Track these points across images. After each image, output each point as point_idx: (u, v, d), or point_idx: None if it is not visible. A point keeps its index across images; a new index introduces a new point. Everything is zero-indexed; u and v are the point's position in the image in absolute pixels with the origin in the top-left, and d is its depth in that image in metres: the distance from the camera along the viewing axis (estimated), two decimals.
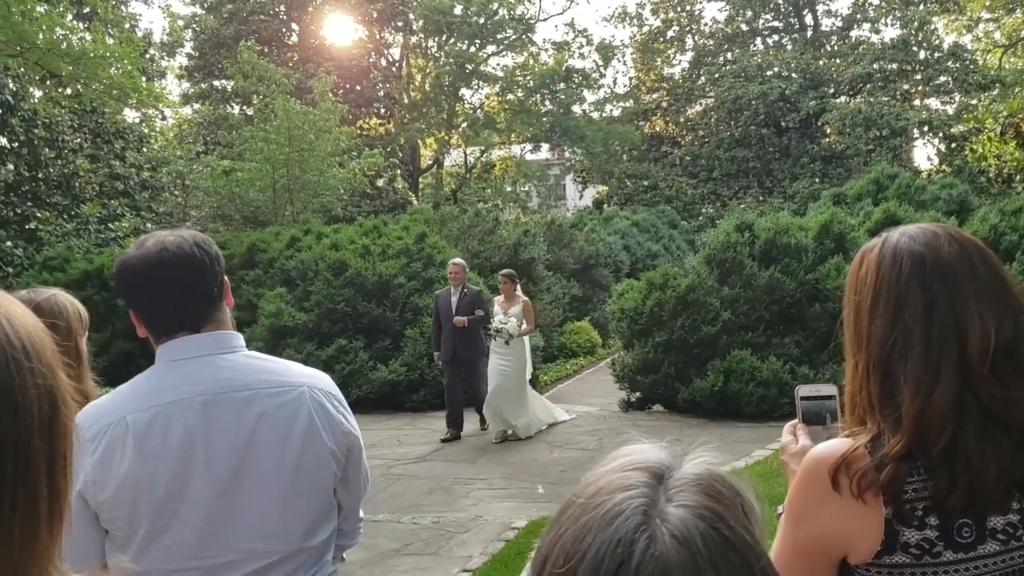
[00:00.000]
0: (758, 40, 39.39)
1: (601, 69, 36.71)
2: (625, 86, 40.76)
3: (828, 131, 33.77)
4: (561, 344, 17.14)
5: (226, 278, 2.06)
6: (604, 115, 36.62)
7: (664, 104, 39.08)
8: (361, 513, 2.29)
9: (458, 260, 10.48)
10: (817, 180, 31.05)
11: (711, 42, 39.22)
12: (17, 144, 19.28)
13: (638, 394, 11.58)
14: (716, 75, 36.32)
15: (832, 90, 34.43)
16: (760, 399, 10.26)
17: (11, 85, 18.08)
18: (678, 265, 13.26)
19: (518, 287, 10.26)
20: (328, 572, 2.11)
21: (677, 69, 40.40)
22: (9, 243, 17.97)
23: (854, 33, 36.98)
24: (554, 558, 0.77)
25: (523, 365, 10.04)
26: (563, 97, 34.01)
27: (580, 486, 0.82)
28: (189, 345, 1.97)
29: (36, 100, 19.18)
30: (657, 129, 39.19)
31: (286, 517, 1.98)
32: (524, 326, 9.93)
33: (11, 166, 19.08)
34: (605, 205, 34.40)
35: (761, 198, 32.18)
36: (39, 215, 19.53)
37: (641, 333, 11.46)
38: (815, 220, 12.05)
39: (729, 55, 38.33)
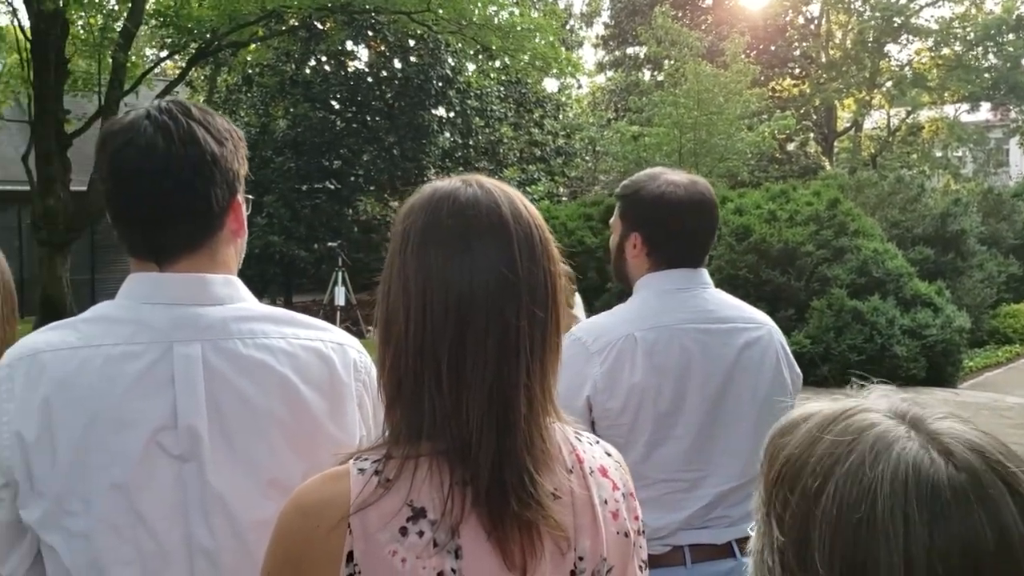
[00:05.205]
0: None
1: None
2: None
3: None
4: (992, 328, 15.42)
5: None
6: None
7: None
8: None
9: None
10: None
11: None
12: (453, 114, 21.37)
13: None
14: None
15: None
16: None
17: (450, 60, 19.99)
18: None
19: (577, 296, 5.24)
20: None
21: None
22: None
23: None
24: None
25: None
26: (1011, 50, 29.94)
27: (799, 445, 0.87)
28: (678, 278, 2.23)
29: (469, 73, 21.02)
30: None
31: (756, 442, 2.07)
32: None
33: (448, 134, 21.20)
34: None
35: None
36: None
37: None
38: None
39: None
